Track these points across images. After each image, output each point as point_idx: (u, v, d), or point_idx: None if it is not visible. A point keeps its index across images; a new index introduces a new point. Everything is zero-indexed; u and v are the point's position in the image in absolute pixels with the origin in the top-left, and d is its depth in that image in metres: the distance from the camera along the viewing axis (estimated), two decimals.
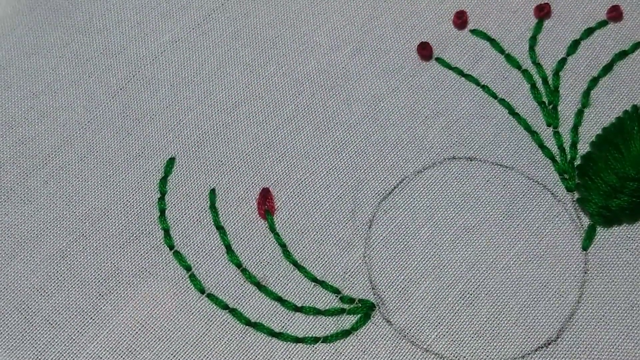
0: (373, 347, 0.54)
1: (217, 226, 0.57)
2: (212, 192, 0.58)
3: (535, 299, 0.55)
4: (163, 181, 0.59)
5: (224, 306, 0.55)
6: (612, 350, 0.54)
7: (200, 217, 0.58)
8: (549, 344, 0.54)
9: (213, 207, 0.58)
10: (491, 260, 0.56)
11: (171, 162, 0.59)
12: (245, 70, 0.63)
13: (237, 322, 0.55)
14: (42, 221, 0.57)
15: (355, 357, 0.54)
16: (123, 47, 0.63)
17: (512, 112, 0.61)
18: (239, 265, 0.56)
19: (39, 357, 0.54)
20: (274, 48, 0.64)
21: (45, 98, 0.61)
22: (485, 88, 0.62)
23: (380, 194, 0.58)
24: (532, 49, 0.63)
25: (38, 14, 0.65)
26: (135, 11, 0.65)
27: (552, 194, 0.58)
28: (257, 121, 0.61)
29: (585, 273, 0.56)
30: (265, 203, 0.58)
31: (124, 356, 0.54)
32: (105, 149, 0.60)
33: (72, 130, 0.60)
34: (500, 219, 0.58)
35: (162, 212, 0.58)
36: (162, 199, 0.58)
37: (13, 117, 0.61)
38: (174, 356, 0.54)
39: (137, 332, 0.54)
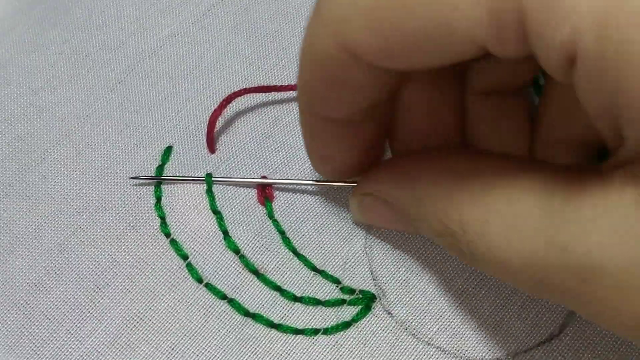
0: (374, 339, 0.54)
1: (213, 210, 0.57)
2: (209, 176, 0.58)
3: (535, 299, 0.55)
4: (160, 169, 0.59)
5: (223, 296, 0.55)
6: (615, 345, 0.54)
7: (196, 202, 0.57)
8: (552, 338, 0.54)
9: (210, 191, 0.58)
10: None
11: (168, 150, 0.59)
12: (244, 63, 0.63)
13: (236, 313, 0.54)
14: (41, 216, 0.57)
15: (356, 349, 0.53)
16: (122, 42, 0.63)
17: None
18: (237, 251, 0.56)
19: (38, 352, 0.54)
20: (274, 42, 0.64)
21: (45, 94, 0.61)
22: None
23: None
24: None
25: (37, 11, 0.65)
26: (135, 7, 0.65)
27: None
28: (256, 112, 0.61)
29: None
30: (265, 189, 0.58)
31: (122, 350, 0.53)
32: (104, 142, 0.60)
33: (71, 125, 0.60)
34: None
35: (159, 199, 0.58)
36: (158, 186, 0.58)
37: (12, 113, 0.61)
38: (173, 349, 0.53)
39: (135, 326, 0.54)
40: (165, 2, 0.65)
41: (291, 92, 0.61)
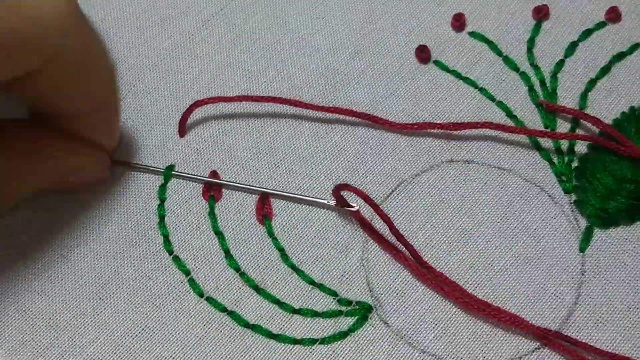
0: (370, 348, 0.54)
1: (215, 232, 0.58)
2: (212, 198, 0.59)
3: (533, 301, 0.55)
4: (162, 188, 0.59)
5: (223, 309, 0.55)
6: (609, 351, 0.54)
7: (199, 223, 0.58)
8: (546, 345, 0.54)
9: (212, 214, 0.58)
10: (488, 262, 0.57)
11: (170, 169, 0.60)
12: (245, 75, 0.63)
13: (236, 324, 0.55)
14: (42, 224, 0.58)
15: (353, 358, 0.54)
16: (123, 54, 0.64)
17: (510, 115, 0.61)
18: (237, 269, 0.56)
19: (39, 359, 0.54)
20: (273, 53, 0.64)
21: None
22: (482, 90, 0.62)
23: (378, 197, 0.59)
24: (530, 51, 0.64)
25: None
26: (135, 17, 0.65)
27: (550, 196, 0.59)
28: (256, 127, 0.61)
29: (583, 275, 0.56)
30: (264, 208, 0.58)
31: (123, 359, 0.54)
32: None
33: None
34: (497, 221, 0.58)
35: (162, 218, 0.58)
36: (161, 205, 0.59)
37: None
38: (173, 358, 0.54)
39: (137, 335, 0.55)
40: (165, 11, 0.65)
41: (288, 110, 0.62)
